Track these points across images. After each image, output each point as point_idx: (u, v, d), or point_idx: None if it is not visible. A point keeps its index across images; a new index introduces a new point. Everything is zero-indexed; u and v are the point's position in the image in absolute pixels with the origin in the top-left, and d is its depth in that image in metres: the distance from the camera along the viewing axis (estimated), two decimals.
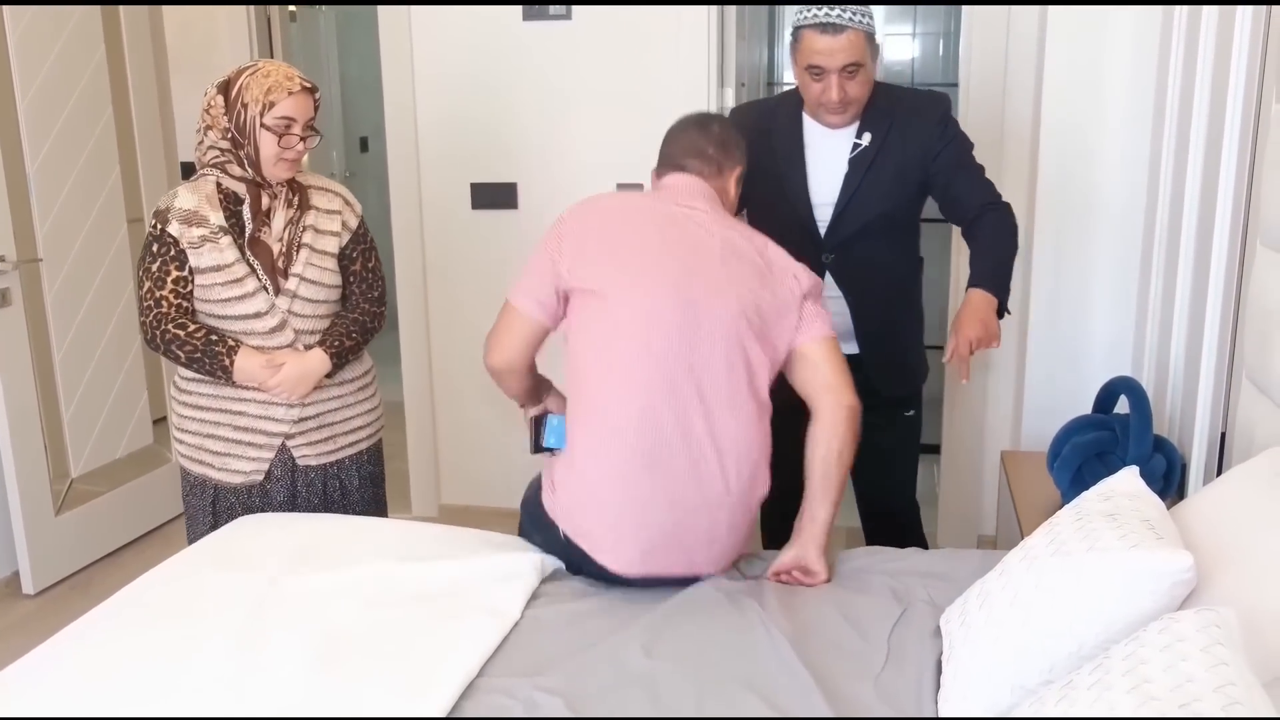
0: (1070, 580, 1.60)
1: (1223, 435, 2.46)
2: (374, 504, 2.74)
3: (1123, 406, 2.61)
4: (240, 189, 2.43)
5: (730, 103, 3.55)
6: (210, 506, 2.56)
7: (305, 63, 5.58)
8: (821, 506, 2.16)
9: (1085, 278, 3.26)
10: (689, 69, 3.53)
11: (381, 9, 3.74)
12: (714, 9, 3.50)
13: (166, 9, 4.04)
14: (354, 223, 2.60)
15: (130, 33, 3.74)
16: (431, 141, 3.80)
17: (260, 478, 2.54)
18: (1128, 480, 1.82)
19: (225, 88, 2.39)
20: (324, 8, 5.89)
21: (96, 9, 3.57)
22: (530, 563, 2.16)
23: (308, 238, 2.50)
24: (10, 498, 3.34)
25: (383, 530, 2.39)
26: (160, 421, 3.95)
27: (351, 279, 2.60)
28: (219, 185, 2.43)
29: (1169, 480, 2.48)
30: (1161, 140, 2.89)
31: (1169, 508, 2.06)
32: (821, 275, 2.58)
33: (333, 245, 2.55)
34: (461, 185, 3.81)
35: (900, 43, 5.58)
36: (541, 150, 3.73)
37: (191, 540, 2.59)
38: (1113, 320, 3.25)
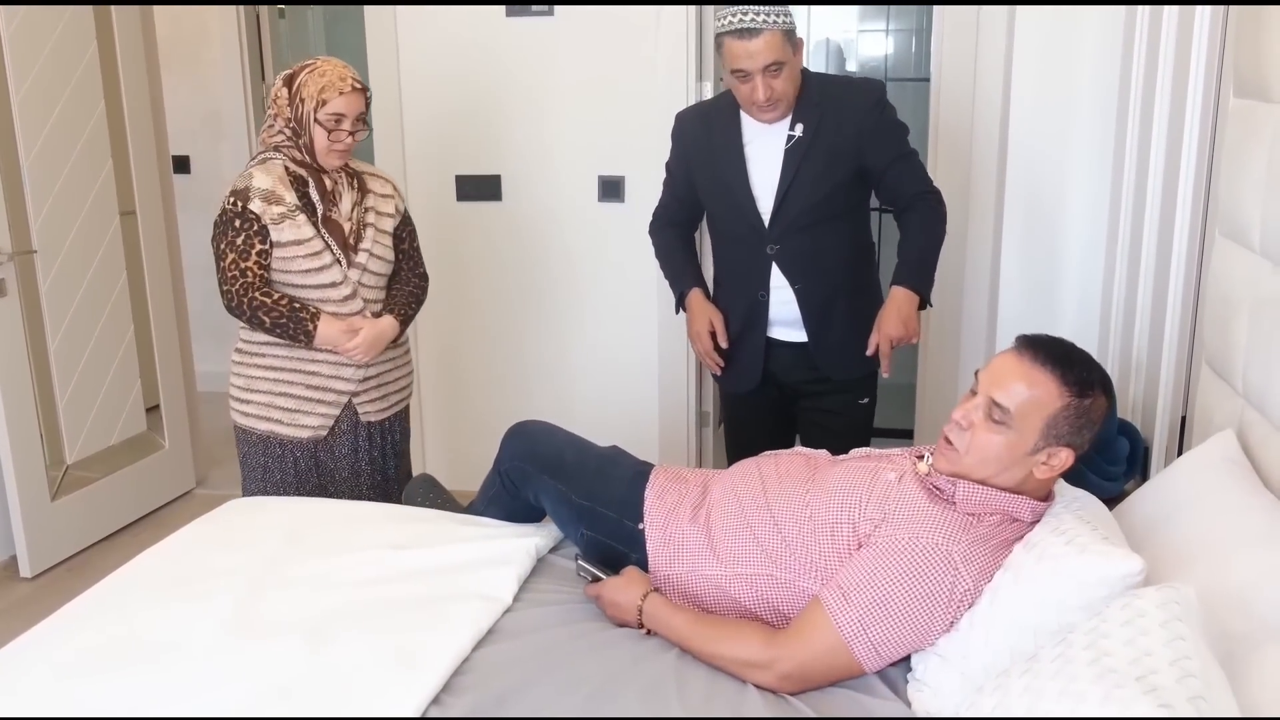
0: (1026, 595, 1.62)
1: (1183, 418, 2.51)
2: (406, 455, 2.98)
3: None
4: (304, 172, 2.63)
5: (709, 96, 3.61)
6: (276, 463, 2.74)
7: (292, 59, 5.60)
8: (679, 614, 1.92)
9: (1052, 267, 3.32)
10: (668, 63, 3.58)
11: (368, 5, 3.78)
12: (692, 7, 3.54)
13: (156, 4, 4.07)
14: (403, 207, 2.85)
15: (121, 29, 3.76)
16: (417, 135, 3.84)
17: (325, 433, 2.74)
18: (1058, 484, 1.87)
19: (289, 81, 2.60)
20: (312, 5, 5.92)
21: (88, 5, 3.60)
22: (523, 548, 2.18)
23: (370, 218, 2.73)
24: (8, 484, 3.38)
25: (376, 514, 2.41)
26: (154, 409, 4.00)
27: (401, 256, 2.83)
28: (286, 167, 2.62)
29: (1132, 462, 2.52)
30: (1125, 134, 2.93)
31: (1133, 489, 2.13)
32: (768, 266, 2.65)
33: (390, 225, 2.78)
34: (446, 178, 3.85)
35: (874, 39, 5.64)
36: (525, 143, 3.77)
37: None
38: (1079, 308, 3.29)
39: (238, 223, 2.58)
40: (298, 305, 2.61)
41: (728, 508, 2.01)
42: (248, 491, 2.81)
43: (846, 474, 1.95)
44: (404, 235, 2.83)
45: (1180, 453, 2.47)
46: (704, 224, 2.92)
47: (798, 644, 1.75)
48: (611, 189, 3.74)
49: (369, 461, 2.82)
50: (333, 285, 2.64)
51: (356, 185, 2.72)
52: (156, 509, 4.00)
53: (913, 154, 2.65)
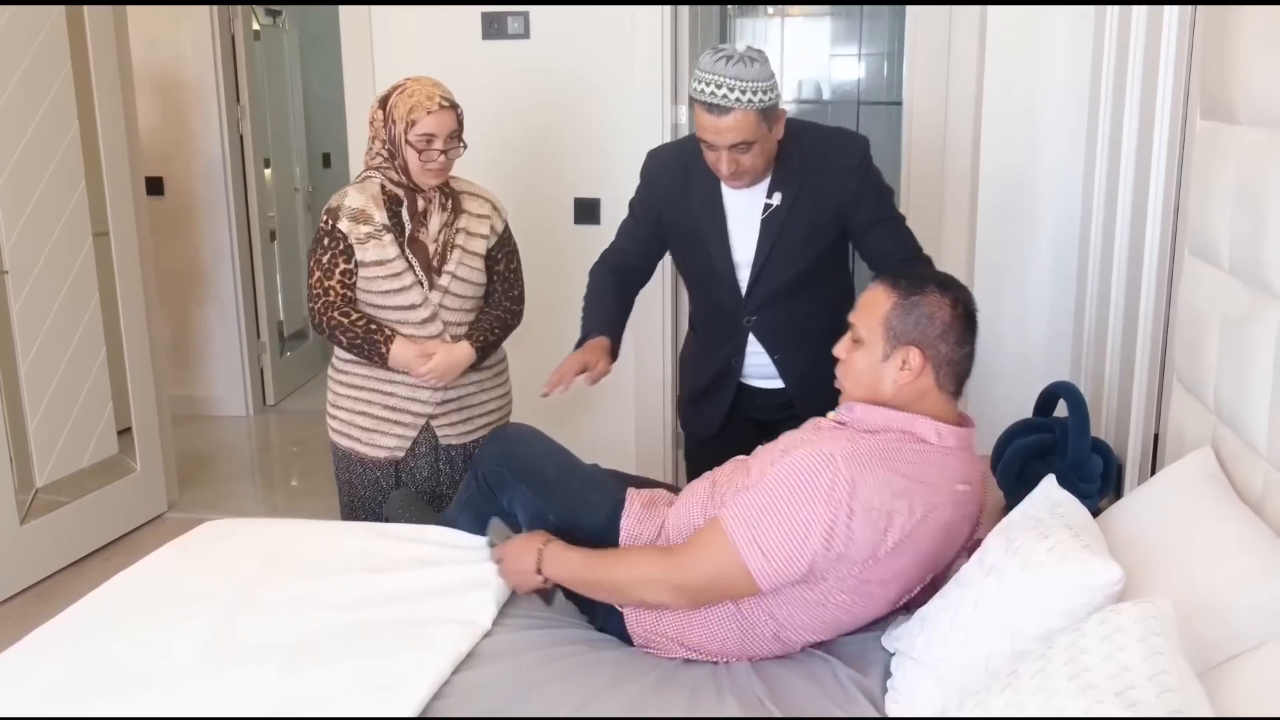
0: (1008, 600, 1.63)
1: (1156, 436, 2.53)
2: None
3: (1062, 410, 2.67)
4: (400, 192, 2.62)
5: (684, 120, 3.63)
6: (359, 479, 2.77)
7: (267, 82, 5.60)
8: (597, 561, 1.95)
9: (1024, 287, 3.35)
10: (643, 87, 3.60)
11: (344, 27, 3.78)
12: (667, 31, 3.57)
13: (132, 26, 4.05)
14: (500, 227, 2.79)
15: (96, 48, 3.74)
16: None
17: (402, 454, 2.74)
18: (1047, 489, 1.88)
19: (384, 103, 2.59)
20: (287, 26, 5.93)
21: (63, 24, 3.58)
22: None
23: (460, 239, 2.69)
24: None
25: (352, 535, 2.39)
26: (125, 432, 3.97)
27: (495, 278, 2.79)
28: (383, 187, 2.62)
29: (1106, 480, 2.53)
30: (1095, 155, 2.96)
31: (1106, 507, 2.14)
32: (744, 336, 2.54)
33: (481, 247, 2.73)
34: None
35: (846, 63, 5.71)
36: (501, 165, 3.77)
37: (344, 508, 2.86)
38: (1051, 327, 3.32)
39: (326, 241, 2.60)
40: (374, 327, 2.61)
41: (680, 521, 2.03)
42: (341, 505, 2.85)
43: (770, 444, 2.03)
44: (500, 256, 2.78)
45: (1154, 470, 2.48)
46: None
47: (690, 555, 1.82)
48: (587, 211, 3.75)
49: (450, 485, 2.79)
50: (412, 307, 2.63)
51: (451, 205, 2.68)
52: (127, 533, 3.95)
53: (898, 219, 2.49)
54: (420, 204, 2.64)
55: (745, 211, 2.45)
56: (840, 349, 1.99)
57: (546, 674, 1.83)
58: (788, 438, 1.99)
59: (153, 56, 4.94)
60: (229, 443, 5.12)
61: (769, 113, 2.24)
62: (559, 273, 3.82)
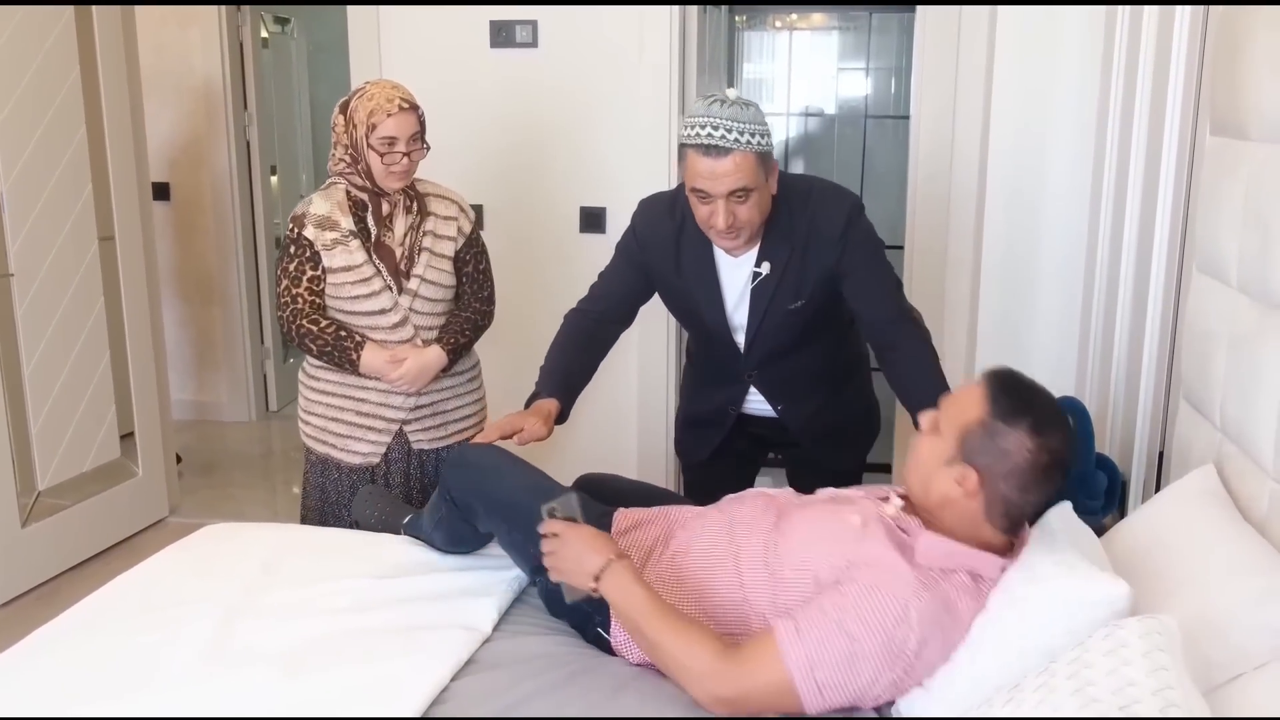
0: (1012, 612, 1.63)
1: (1161, 453, 2.53)
2: None
3: None
4: (365, 197, 2.62)
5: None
6: (333, 485, 2.76)
7: (275, 88, 5.62)
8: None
9: (1030, 302, 3.35)
10: (651, 97, 3.60)
11: (352, 36, 3.78)
12: (675, 42, 3.58)
13: (140, 32, 4.07)
14: (468, 228, 2.78)
15: (104, 53, 3.76)
16: None
17: (377, 459, 2.74)
18: (1060, 511, 1.86)
19: (344, 108, 2.59)
20: (295, 34, 5.95)
21: (72, 29, 3.60)
22: (504, 579, 2.16)
23: (427, 242, 2.69)
24: None
25: (353, 542, 2.39)
26: (127, 436, 3.97)
27: (464, 280, 2.78)
28: (348, 193, 2.63)
29: (1110, 496, 2.52)
30: (1103, 171, 2.96)
31: (1111, 524, 2.14)
32: (745, 389, 2.50)
33: (449, 249, 2.73)
34: None
35: (854, 77, 5.70)
36: (508, 174, 3.78)
37: (305, 514, 2.86)
38: (1057, 343, 3.32)
39: (293, 249, 2.61)
40: (344, 334, 2.61)
41: (690, 565, 1.93)
42: (305, 508, 2.84)
43: (809, 522, 1.89)
44: (468, 258, 2.77)
45: (1158, 487, 2.48)
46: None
47: (742, 672, 1.68)
48: (593, 220, 3.75)
49: (422, 491, 2.77)
50: (382, 312, 2.63)
51: (416, 208, 2.68)
52: (128, 537, 3.95)
53: (884, 280, 2.36)
54: (385, 208, 2.64)
55: (737, 274, 2.36)
56: (925, 422, 1.86)
57: (548, 681, 1.81)
58: (834, 518, 1.87)
59: (161, 63, 4.96)
60: (232, 448, 5.12)
61: (766, 159, 2.16)
62: (563, 281, 3.81)
